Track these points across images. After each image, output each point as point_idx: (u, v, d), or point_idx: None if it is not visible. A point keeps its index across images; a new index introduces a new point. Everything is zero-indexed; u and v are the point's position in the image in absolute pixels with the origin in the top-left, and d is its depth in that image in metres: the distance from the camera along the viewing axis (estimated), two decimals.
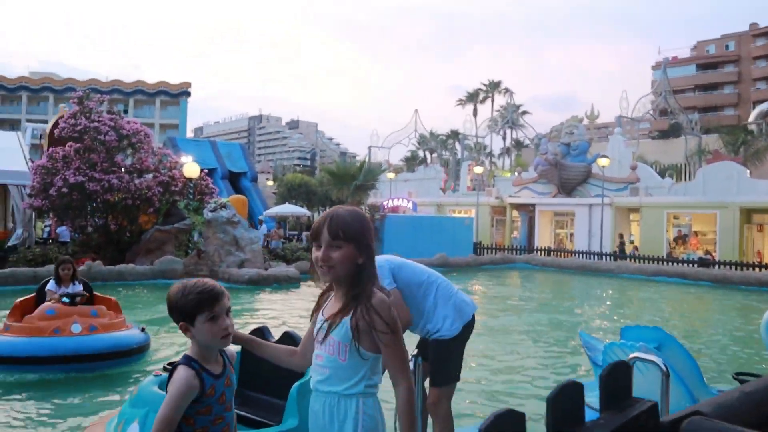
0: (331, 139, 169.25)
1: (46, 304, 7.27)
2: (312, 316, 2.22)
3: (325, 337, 2.03)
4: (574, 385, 1.01)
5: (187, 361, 2.07)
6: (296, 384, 3.83)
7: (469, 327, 4.06)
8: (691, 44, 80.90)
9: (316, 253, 2.02)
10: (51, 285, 7.46)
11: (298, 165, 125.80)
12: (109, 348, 7.08)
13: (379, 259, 3.82)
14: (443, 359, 3.95)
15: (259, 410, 4.10)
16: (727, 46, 73.80)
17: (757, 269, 20.51)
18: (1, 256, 17.87)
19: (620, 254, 25.46)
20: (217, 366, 2.12)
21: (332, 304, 2.09)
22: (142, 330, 7.69)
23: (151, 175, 19.22)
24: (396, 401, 1.97)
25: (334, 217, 2.02)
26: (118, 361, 7.12)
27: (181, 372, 2.03)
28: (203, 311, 2.05)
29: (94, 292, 8.01)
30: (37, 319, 7.00)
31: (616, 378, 1.08)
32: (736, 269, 20.70)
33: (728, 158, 28.97)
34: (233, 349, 2.26)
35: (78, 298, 7.41)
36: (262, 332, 4.71)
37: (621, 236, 27.45)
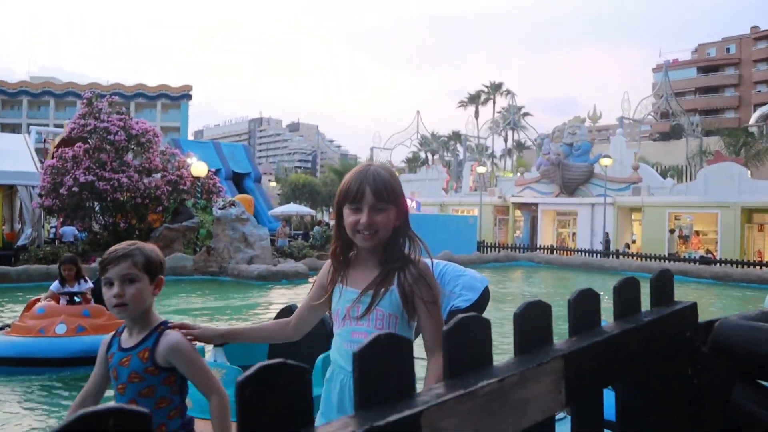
0: (331, 141, 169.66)
1: (39, 302, 6.96)
2: (323, 286, 1.97)
3: (368, 310, 1.80)
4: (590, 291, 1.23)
5: None
6: (321, 356, 4.04)
7: (482, 299, 4.33)
8: (692, 47, 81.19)
9: (355, 217, 1.79)
10: (54, 285, 7.06)
11: (299, 167, 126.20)
12: (90, 351, 6.18)
13: None
14: None
15: None
16: (727, 49, 74.11)
17: (758, 267, 20.72)
18: (11, 255, 18.12)
19: (605, 251, 25.75)
20: (132, 340, 1.94)
21: (362, 274, 1.86)
22: None
23: (159, 175, 19.47)
24: (430, 372, 1.81)
25: (376, 176, 1.80)
26: None
27: None
28: (102, 275, 1.95)
29: None
30: (29, 318, 6.74)
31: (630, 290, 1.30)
32: (737, 267, 20.91)
33: (729, 159, 29.15)
34: (177, 341, 1.91)
35: (77, 297, 6.93)
36: (291, 309, 4.96)
37: (607, 234, 27.79)
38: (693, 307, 1.29)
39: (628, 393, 1.17)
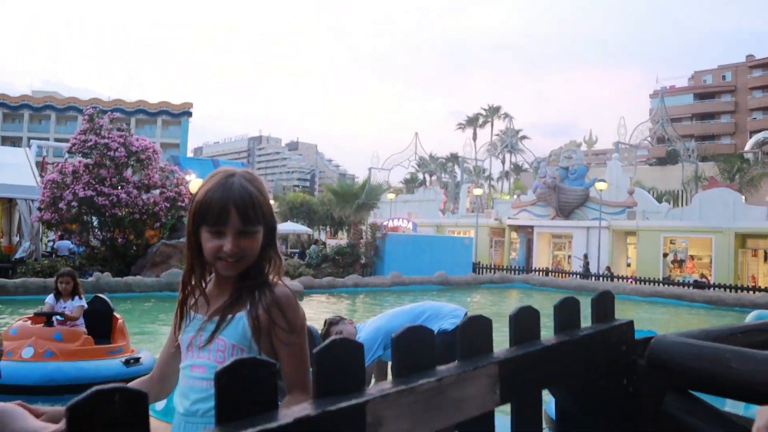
0: (330, 160, 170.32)
1: (16, 322, 6.45)
2: (177, 320, 1.62)
3: (210, 339, 1.50)
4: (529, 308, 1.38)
5: None
6: None
7: None
8: (689, 74, 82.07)
9: (217, 242, 1.46)
10: (49, 298, 6.69)
11: (298, 186, 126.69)
12: (54, 379, 5.92)
13: (369, 329, 4.38)
14: (448, 345, 4.39)
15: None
16: (723, 77, 74.88)
17: (751, 292, 20.88)
18: (9, 267, 18.24)
19: (584, 273, 26.13)
20: None
21: (216, 298, 1.56)
22: (128, 362, 6.49)
23: (158, 191, 19.66)
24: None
25: (243, 193, 1.47)
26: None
27: None
28: None
29: (114, 313, 7.14)
30: (3, 339, 5.94)
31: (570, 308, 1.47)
32: (730, 291, 21.07)
33: (724, 185, 29.45)
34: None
35: (55, 318, 6.40)
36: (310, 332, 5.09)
37: (585, 256, 28.15)
38: (630, 324, 1.45)
39: (566, 398, 1.32)
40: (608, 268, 27.31)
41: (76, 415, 0.68)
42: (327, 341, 0.90)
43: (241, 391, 0.81)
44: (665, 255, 27.91)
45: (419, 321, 4.51)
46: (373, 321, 4.59)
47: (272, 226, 1.55)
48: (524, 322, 1.21)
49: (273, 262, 1.56)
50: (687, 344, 1.44)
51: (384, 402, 0.88)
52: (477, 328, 1.11)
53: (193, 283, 1.57)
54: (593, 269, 27.02)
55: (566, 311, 1.33)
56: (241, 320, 1.48)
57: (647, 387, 1.44)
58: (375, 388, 0.91)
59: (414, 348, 0.98)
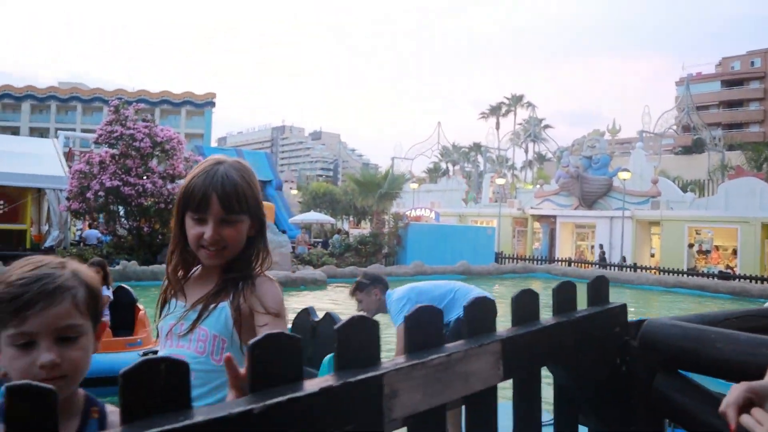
0: (353, 150, 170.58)
1: None
2: (159, 312, 1.59)
3: (191, 328, 1.49)
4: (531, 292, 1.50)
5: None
6: (328, 356, 4.32)
7: None
8: (716, 60, 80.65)
9: (199, 229, 1.47)
10: None
11: (321, 175, 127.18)
12: None
13: (401, 292, 4.52)
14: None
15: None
16: (752, 63, 73.45)
17: None
18: None
19: (601, 263, 26.17)
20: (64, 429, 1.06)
21: (201, 287, 1.55)
22: (146, 354, 5.99)
23: (182, 181, 19.97)
24: None
25: (226, 181, 1.47)
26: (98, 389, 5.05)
27: None
28: (13, 326, 1.06)
29: (138, 304, 7.18)
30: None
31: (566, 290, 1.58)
32: (755, 282, 20.87)
33: (751, 174, 29.04)
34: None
35: None
36: (308, 312, 5.28)
37: (601, 246, 28.08)
38: (623, 307, 1.57)
39: (562, 375, 1.45)
40: (624, 258, 27.23)
41: (128, 382, 0.83)
42: (346, 319, 1.03)
43: (272, 363, 0.94)
44: (690, 245, 27.66)
45: (446, 300, 4.61)
46: (403, 290, 4.68)
47: (260, 217, 1.55)
48: (525, 303, 1.34)
49: (260, 255, 1.55)
50: (676, 326, 1.55)
51: (398, 374, 1.01)
52: (482, 308, 1.23)
53: (179, 275, 1.56)
54: (616, 260, 26.92)
55: (564, 295, 1.45)
56: (223, 310, 1.47)
57: (639, 367, 1.56)
58: (390, 362, 1.04)
59: (424, 326, 1.11)
